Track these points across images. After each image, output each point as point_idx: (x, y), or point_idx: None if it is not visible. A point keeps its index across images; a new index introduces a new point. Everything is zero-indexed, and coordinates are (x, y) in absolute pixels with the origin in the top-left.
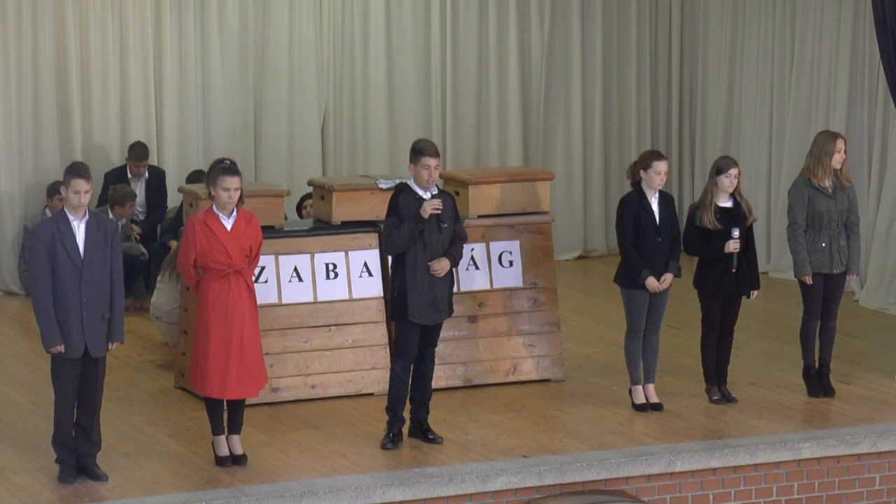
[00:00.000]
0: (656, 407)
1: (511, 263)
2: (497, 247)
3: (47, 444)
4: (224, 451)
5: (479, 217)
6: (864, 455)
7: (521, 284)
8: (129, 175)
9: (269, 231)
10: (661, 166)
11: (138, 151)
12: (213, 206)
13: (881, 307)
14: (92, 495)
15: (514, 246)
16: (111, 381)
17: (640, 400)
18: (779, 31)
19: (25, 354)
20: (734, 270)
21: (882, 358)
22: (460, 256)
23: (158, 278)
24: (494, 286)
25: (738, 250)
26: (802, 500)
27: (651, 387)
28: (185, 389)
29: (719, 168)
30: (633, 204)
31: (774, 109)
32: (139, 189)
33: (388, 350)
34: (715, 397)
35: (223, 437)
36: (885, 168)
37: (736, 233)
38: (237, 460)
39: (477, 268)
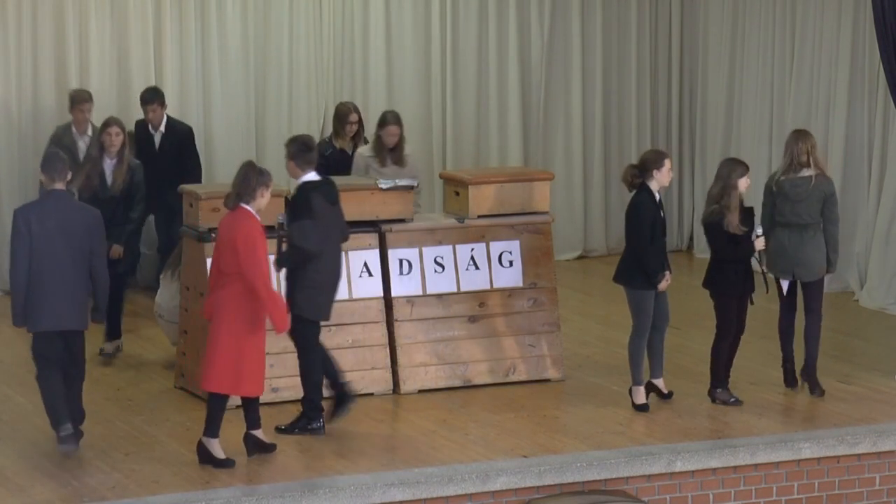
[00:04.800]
0: (669, 396)
1: (511, 263)
2: (497, 247)
3: (47, 444)
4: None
5: (479, 217)
6: (864, 455)
7: (521, 284)
8: (150, 128)
9: (270, 231)
10: (670, 163)
11: (148, 94)
12: (253, 211)
13: (881, 307)
14: (92, 495)
15: (514, 246)
16: (111, 381)
17: (641, 400)
18: (779, 32)
19: (25, 354)
20: (764, 269)
21: (882, 358)
22: (287, 261)
23: (161, 276)
24: (494, 286)
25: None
26: (802, 500)
27: (661, 380)
28: (186, 389)
29: (741, 172)
30: (650, 205)
31: (774, 109)
32: (157, 139)
33: (387, 350)
34: (731, 399)
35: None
36: (885, 168)
37: (760, 230)
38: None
39: (477, 268)
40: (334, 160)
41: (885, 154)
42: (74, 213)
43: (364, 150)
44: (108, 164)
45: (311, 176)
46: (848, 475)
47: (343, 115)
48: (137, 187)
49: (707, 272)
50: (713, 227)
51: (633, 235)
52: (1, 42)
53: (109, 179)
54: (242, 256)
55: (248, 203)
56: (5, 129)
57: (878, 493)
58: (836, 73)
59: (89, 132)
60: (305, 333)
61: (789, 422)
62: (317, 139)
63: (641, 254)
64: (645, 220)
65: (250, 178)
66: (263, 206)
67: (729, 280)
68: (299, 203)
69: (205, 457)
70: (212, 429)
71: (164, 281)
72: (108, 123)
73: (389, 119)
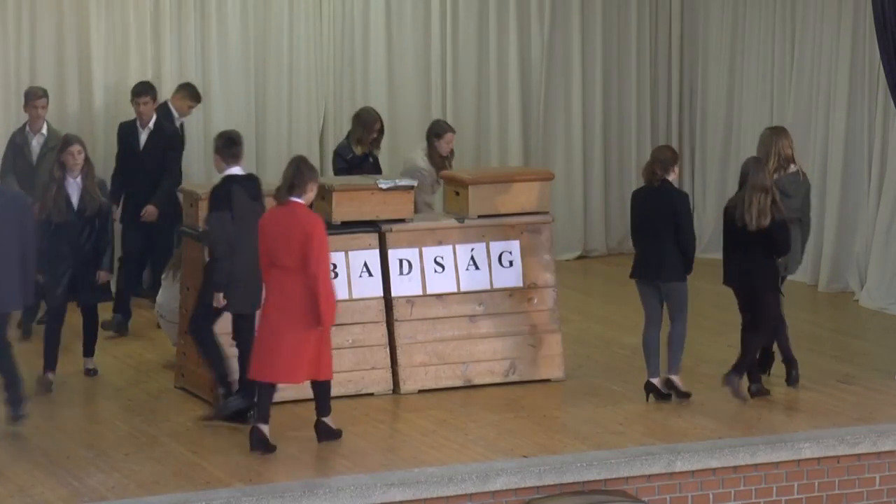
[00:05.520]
0: (668, 397)
1: (511, 263)
2: (497, 247)
3: (47, 444)
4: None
5: (479, 217)
6: (864, 455)
7: (521, 284)
8: (139, 124)
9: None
10: None
11: (141, 86)
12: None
13: (881, 307)
14: (92, 495)
15: (514, 246)
16: (111, 381)
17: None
18: (779, 31)
19: (25, 355)
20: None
21: (882, 358)
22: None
23: (163, 277)
24: (494, 286)
25: None
26: (802, 500)
27: (658, 379)
28: (186, 389)
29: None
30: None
31: (774, 109)
32: (143, 137)
33: (388, 350)
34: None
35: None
36: (885, 168)
37: None
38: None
39: (477, 268)
40: (356, 165)
41: (885, 154)
42: (7, 201)
43: (419, 162)
44: (73, 185)
45: (236, 170)
46: (848, 475)
47: (370, 122)
48: (106, 206)
49: (749, 270)
50: (785, 224)
51: (686, 227)
52: (0, 44)
53: (75, 200)
54: (315, 249)
55: (299, 196)
56: (4, 130)
57: (878, 493)
58: (836, 73)
59: (44, 131)
60: (244, 326)
61: (789, 422)
62: (317, 139)
63: (691, 245)
64: (691, 214)
65: (303, 171)
66: (310, 201)
67: (777, 275)
68: (220, 195)
69: (326, 435)
70: (327, 408)
71: (165, 282)
72: (68, 142)
73: (446, 127)
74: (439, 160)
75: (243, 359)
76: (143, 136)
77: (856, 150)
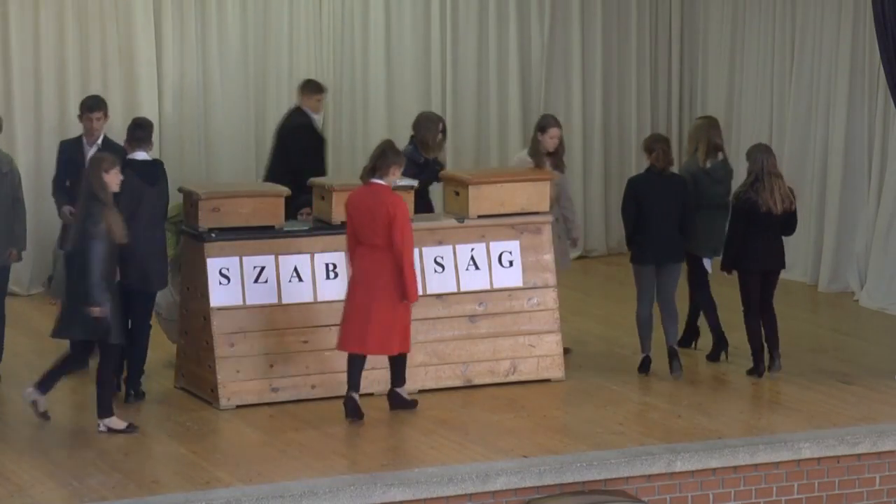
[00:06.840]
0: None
1: (511, 263)
2: (497, 247)
3: (47, 444)
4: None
5: (479, 217)
6: (864, 455)
7: (521, 284)
8: (86, 141)
9: (269, 231)
10: None
11: (94, 101)
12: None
13: (881, 307)
14: (92, 495)
15: (514, 246)
16: None
17: None
18: (779, 31)
19: (26, 354)
20: None
21: (882, 358)
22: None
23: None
24: (494, 286)
25: None
26: (802, 500)
27: None
28: (186, 389)
29: None
30: None
31: (774, 109)
32: (89, 155)
33: None
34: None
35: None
36: (885, 168)
37: None
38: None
39: (477, 268)
40: (428, 168)
41: (885, 154)
42: None
43: (522, 156)
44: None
45: (138, 155)
46: (848, 475)
47: (432, 123)
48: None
49: (778, 252)
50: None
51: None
52: (1, 45)
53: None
54: (399, 228)
55: (381, 178)
56: (5, 135)
57: (878, 493)
58: (836, 73)
59: None
60: (139, 302)
61: (789, 422)
62: None
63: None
64: None
65: (388, 154)
66: (391, 183)
67: None
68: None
69: (399, 403)
70: (402, 378)
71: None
72: (112, 163)
73: (552, 122)
74: (544, 157)
75: (136, 334)
76: (90, 154)
77: (856, 150)
